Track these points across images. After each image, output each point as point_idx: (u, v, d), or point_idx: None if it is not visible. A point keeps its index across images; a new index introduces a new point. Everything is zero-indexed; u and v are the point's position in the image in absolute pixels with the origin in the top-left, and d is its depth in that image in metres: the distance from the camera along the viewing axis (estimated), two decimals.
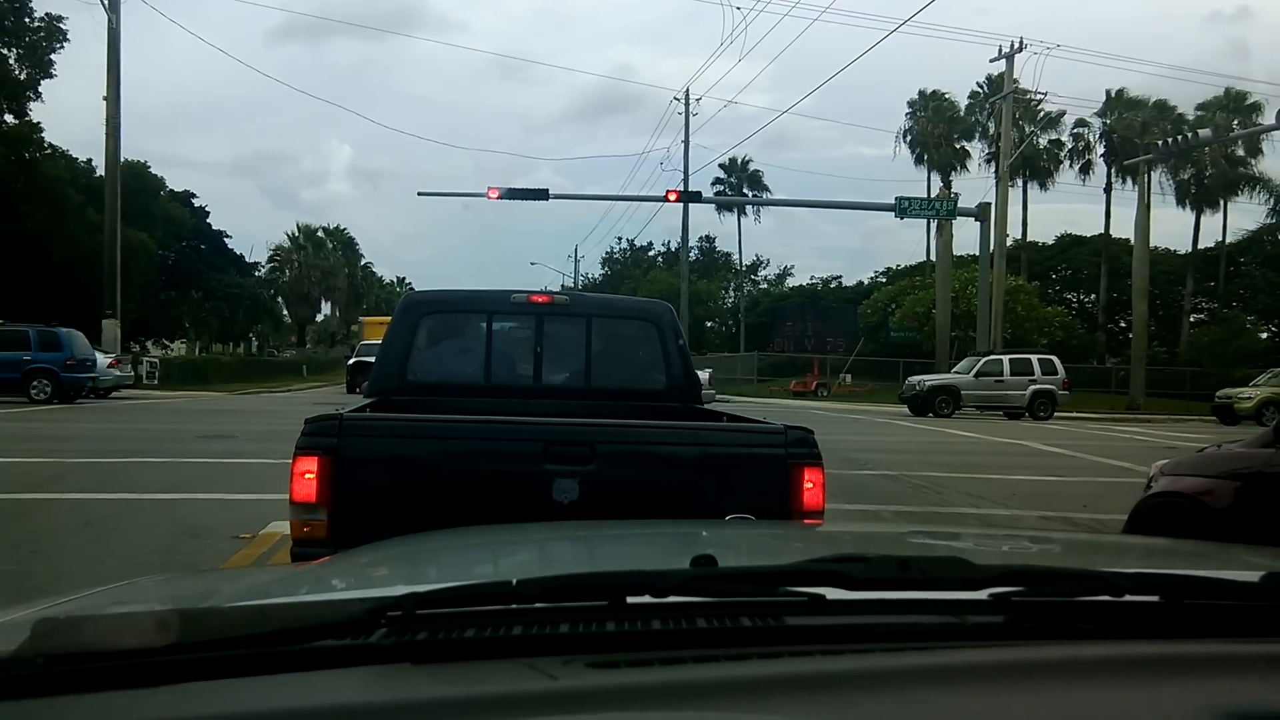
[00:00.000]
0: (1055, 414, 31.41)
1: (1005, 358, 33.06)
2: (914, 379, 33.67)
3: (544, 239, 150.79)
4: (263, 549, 7.23)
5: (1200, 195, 57.96)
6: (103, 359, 28.88)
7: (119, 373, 29.39)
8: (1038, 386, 31.76)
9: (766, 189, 73.39)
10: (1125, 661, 1.15)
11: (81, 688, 1.01)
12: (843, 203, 51.75)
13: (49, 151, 42.23)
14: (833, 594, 1.21)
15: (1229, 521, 4.99)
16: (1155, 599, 1.28)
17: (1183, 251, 60.91)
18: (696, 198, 43.82)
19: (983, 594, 1.24)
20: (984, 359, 32.95)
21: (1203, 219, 59.44)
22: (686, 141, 50.95)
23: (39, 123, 42.15)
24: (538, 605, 1.18)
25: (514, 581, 1.18)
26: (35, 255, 38.42)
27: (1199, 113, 54.65)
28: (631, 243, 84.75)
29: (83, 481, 10.85)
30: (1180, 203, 58.65)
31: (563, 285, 74.25)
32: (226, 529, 8.02)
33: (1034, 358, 33.14)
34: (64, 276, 39.85)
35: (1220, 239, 60.06)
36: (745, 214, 73.60)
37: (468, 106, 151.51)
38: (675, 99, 51.97)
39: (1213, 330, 52.56)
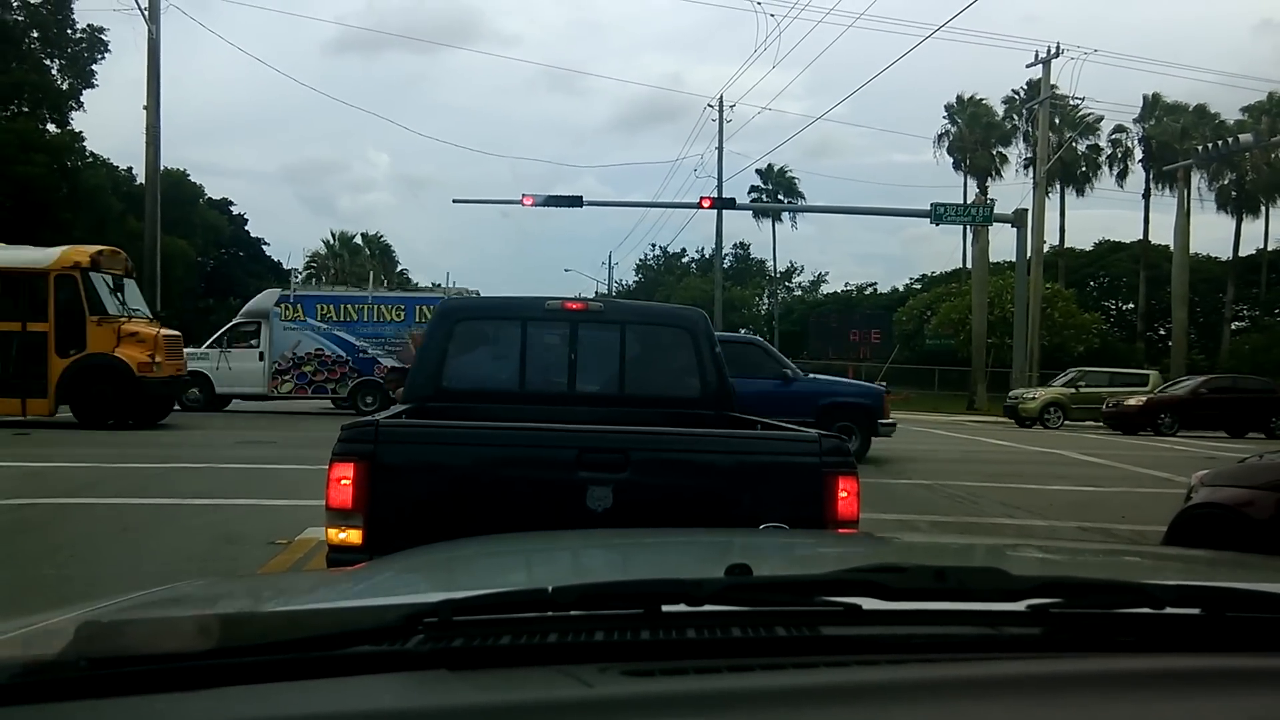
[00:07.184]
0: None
1: None
2: None
3: (580, 246, 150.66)
4: (299, 555, 7.28)
5: (1241, 200, 57.11)
6: None
7: None
8: None
9: (802, 196, 73.04)
10: (1165, 675, 1.14)
11: (124, 690, 1.02)
12: (878, 209, 51.20)
13: (90, 160, 42.81)
14: (869, 604, 1.21)
15: (1271, 533, 4.92)
16: (1196, 611, 1.26)
17: (1224, 258, 60.01)
18: (730, 204, 43.62)
19: (1020, 605, 1.23)
20: None
21: (1244, 225, 58.67)
22: (720, 148, 50.78)
23: (81, 132, 42.73)
24: (573, 613, 1.18)
25: (550, 589, 1.19)
26: None
27: (1241, 117, 53.92)
28: (665, 249, 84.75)
29: (120, 487, 10.98)
30: (1221, 208, 57.83)
31: (597, 292, 74.27)
32: (263, 535, 8.08)
33: None
34: None
35: (1262, 245, 59.22)
36: (781, 221, 73.35)
37: (506, 115, 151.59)
38: (709, 106, 51.81)
39: (1254, 338, 51.61)
